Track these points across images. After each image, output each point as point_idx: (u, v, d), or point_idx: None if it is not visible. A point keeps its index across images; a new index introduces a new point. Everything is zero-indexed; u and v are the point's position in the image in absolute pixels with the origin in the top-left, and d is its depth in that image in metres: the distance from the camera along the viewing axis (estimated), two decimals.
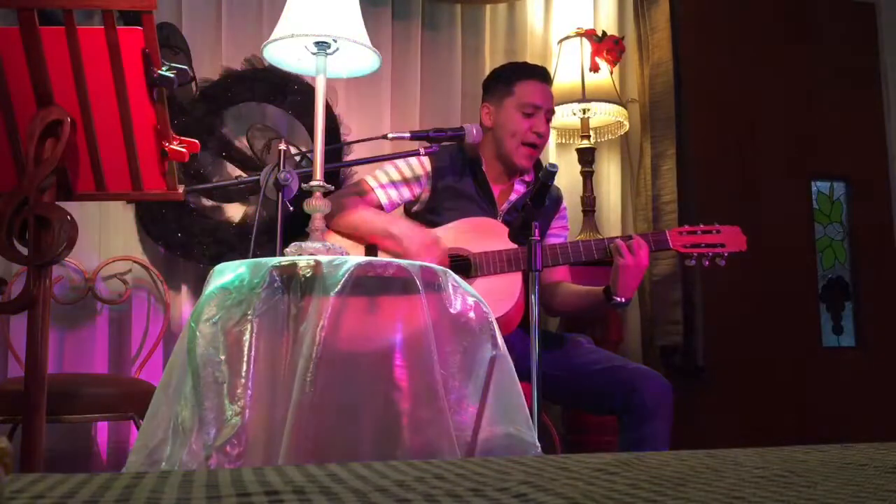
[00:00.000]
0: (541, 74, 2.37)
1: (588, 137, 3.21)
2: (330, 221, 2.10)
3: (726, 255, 2.19)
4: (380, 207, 2.27)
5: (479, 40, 3.35)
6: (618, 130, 3.33)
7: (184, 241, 2.83)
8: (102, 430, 2.79)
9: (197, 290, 2.86)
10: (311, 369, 1.38)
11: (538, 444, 1.57)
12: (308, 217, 1.74)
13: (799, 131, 3.75)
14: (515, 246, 2.12)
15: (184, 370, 1.45)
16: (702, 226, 2.22)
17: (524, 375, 1.71)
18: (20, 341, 2.54)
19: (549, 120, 2.36)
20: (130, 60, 1.33)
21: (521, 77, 2.34)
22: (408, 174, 2.29)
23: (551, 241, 2.41)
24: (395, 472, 0.85)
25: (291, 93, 2.96)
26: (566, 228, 2.48)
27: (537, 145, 2.33)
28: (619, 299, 2.14)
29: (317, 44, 1.75)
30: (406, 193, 2.30)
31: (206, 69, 2.96)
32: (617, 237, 2.19)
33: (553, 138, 3.38)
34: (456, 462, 0.98)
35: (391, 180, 2.28)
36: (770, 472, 0.88)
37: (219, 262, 1.61)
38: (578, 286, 2.36)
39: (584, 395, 2.16)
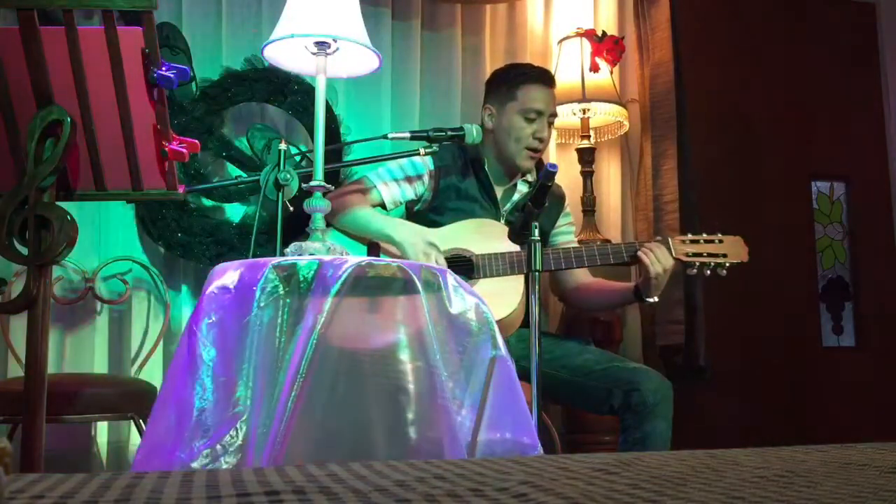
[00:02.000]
0: (544, 78, 2.35)
1: (588, 137, 3.21)
2: (330, 220, 2.10)
3: (727, 265, 2.21)
4: (381, 205, 2.27)
5: (479, 40, 3.35)
6: (618, 130, 3.33)
7: (184, 241, 2.83)
8: (102, 430, 2.79)
9: (197, 290, 2.86)
10: (308, 369, 1.38)
11: (539, 445, 1.57)
12: (308, 217, 1.74)
13: (799, 131, 3.75)
14: (518, 248, 2.12)
15: (184, 371, 1.45)
16: (704, 235, 2.24)
17: (524, 375, 1.71)
18: (20, 341, 2.54)
19: (551, 123, 2.36)
20: (130, 60, 1.33)
21: (524, 81, 2.32)
22: (410, 172, 2.29)
23: (560, 239, 2.42)
24: (395, 472, 0.85)
25: (291, 93, 2.95)
26: (572, 225, 2.50)
27: (539, 149, 2.33)
28: (650, 300, 2.22)
29: (317, 44, 1.75)
30: (408, 191, 2.29)
31: (206, 69, 2.96)
32: (635, 242, 2.26)
33: (553, 138, 3.38)
34: (456, 462, 0.98)
35: (393, 178, 2.28)
36: (770, 472, 0.88)
37: (219, 262, 1.61)
38: (607, 283, 2.42)
39: (585, 395, 2.17)
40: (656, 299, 2.21)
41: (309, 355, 1.38)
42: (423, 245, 2.09)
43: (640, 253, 2.17)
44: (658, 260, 2.14)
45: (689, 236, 2.24)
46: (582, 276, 2.40)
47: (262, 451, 1.36)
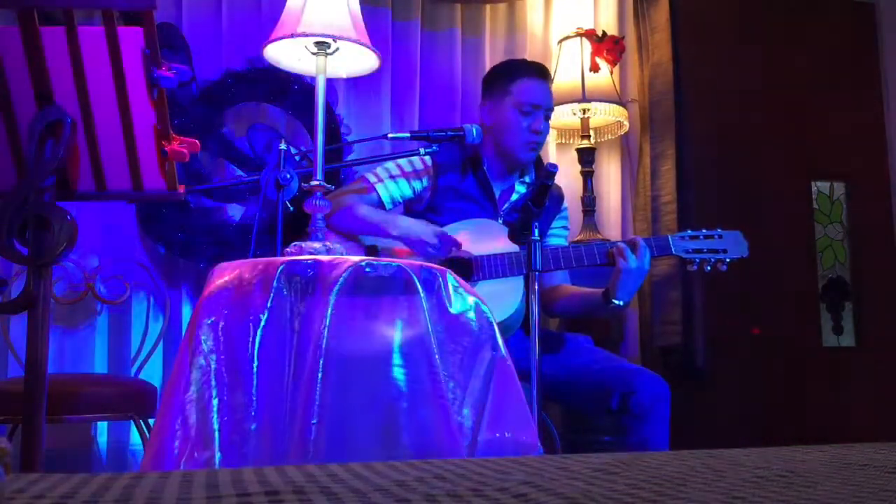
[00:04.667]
0: (539, 72, 2.36)
1: (588, 137, 3.21)
2: (328, 221, 2.10)
3: (728, 260, 2.18)
4: (381, 205, 2.27)
5: (479, 40, 3.35)
6: (618, 130, 3.33)
7: (184, 241, 2.83)
8: (102, 430, 2.79)
9: (197, 290, 2.86)
10: (313, 370, 1.38)
11: (539, 445, 1.57)
12: (308, 217, 1.74)
13: (798, 131, 3.75)
14: (517, 248, 2.11)
15: (185, 373, 1.45)
16: (704, 230, 2.20)
17: (524, 376, 1.71)
18: (20, 341, 2.54)
19: (547, 118, 2.35)
20: (130, 60, 1.33)
21: (518, 76, 2.33)
22: (408, 169, 2.29)
23: (551, 242, 2.41)
24: (395, 472, 0.85)
25: (291, 93, 2.96)
26: (566, 229, 2.48)
27: (538, 142, 2.33)
28: (617, 303, 2.13)
29: (317, 44, 1.75)
30: (407, 188, 2.29)
31: (206, 69, 2.96)
32: (619, 241, 2.19)
33: (553, 138, 3.38)
34: (456, 462, 0.98)
35: (391, 175, 2.27)
36: (770, 472, 0.88)
37: (219, 262, 1.61)
38: (577, 288, 2.36)
39: (583, 396, 2.17)
40: (622, 303, 2.13)
41: (316, 357, 1.38)
42: (428, 236, 2.08)
43: (612, 250, 2.12)
44: (635, 254, 2.08)
45: (689, 232, 2.21)
46: (551, 279, 2.36)
47: (281, 451, 1.36)
